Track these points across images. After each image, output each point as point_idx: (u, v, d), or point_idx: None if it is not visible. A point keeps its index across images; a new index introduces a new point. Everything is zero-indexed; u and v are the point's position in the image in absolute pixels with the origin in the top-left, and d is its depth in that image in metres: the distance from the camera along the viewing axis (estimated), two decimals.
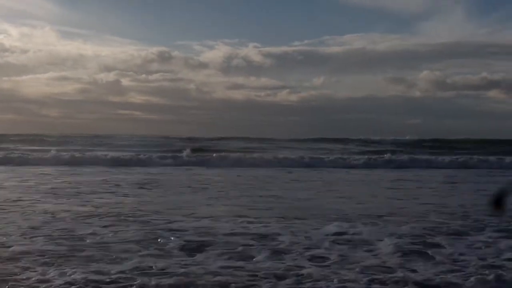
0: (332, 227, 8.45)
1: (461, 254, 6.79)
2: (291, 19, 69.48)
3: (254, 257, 6.53)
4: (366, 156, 26.02)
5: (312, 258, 6.52)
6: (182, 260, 6.33)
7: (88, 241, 7.30)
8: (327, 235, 7.88)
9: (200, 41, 76.50)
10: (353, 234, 7.97)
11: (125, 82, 65.39)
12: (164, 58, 67.23)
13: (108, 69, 67.27)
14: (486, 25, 66.89)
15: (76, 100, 67.47)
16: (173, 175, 18.33)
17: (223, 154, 25.38)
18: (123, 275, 5.68)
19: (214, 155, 24.96)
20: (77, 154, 23.92)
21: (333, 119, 62.43)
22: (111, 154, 24.78)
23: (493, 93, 66.26)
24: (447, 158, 25.28)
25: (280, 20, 69.71)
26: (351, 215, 9.72)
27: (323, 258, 6.52)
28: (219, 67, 64.56)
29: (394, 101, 63.90)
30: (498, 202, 4.35)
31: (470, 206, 11.04)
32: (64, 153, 24.12)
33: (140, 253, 6.63)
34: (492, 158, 25.39)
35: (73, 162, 22.12)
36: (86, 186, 13.91)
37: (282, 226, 8.55)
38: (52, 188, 13.38)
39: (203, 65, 65.52)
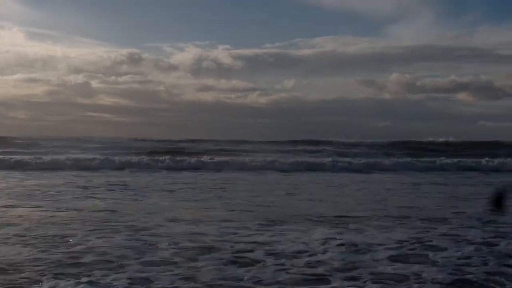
0: (321, 232, 8.36)
1: (462, 258, 6.76)
2: (262, 21, 69.47)
3: (255, 265, 6.37)
4: (336, 159, 26.13)
5: (315, 266, 6.37)
6: (184, 270, 6.14)
7: (77, 247, 7.05)
8: (320, 240, 7.75)
9: (170, 43, 75.63)
10: (344, 239, 7.85)
11: (94, 84, 64.33)
12: (133, 60, 66.32)
13: (77, 70, 65.96)
14: (454, 28, 68.05)
15: (45, 102, 66.02)
16: (144, 177, 18.10)
17: (193, 157, 25.28)
18: None
19: (184, 158, 24.77)
20: (45, 157, 23.31)
21: (304, 122, 62.44)
22: (81, 156, 24.29)
23: (462, 96, 67.33)
24: (416, 161, 25.60)
25: (251, 22, 69.64)
26: (332, 218, 9.70)
27: (326, 265, 6.39)
28: (189, 69, 64.10)
29: (365, 104, 64.30)
30: (498, 201, 4.35)
31: (446, 208, 11.10)
32: (32, 156, 23.52)
33: (136, 261, 6.41)
34: (461, 160, 25.79)
35: (41, 166, 21.58)
36: (58, 190, 13.58)
37: (269, 230, 8.45)
38: (24, 192, 13.01)
39: (173, 67, 64.88)
